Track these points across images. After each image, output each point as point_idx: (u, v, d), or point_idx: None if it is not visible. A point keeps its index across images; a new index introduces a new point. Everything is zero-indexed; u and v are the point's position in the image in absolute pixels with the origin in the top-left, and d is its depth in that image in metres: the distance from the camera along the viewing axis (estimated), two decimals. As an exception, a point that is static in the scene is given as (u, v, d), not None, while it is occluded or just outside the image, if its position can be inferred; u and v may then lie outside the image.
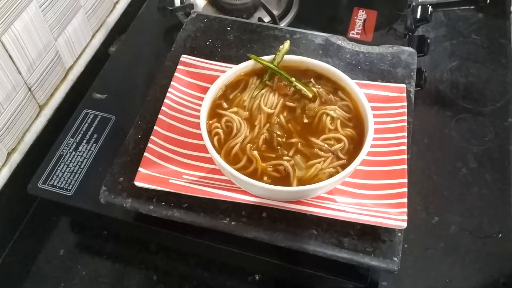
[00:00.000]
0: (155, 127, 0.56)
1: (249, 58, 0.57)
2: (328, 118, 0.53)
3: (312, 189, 0.48)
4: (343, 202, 0.51)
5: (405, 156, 0.53)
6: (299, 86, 0.54)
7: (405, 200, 0.50)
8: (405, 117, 0.56)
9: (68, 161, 0.61)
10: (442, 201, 0.65)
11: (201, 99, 0.54)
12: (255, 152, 0.51)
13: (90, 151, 0.63)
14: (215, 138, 0.52)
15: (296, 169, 0.50)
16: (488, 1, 0.87)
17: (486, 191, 0.66)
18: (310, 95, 0.54)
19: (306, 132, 0.53)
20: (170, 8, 0.81)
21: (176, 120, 0.58)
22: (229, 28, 0.68)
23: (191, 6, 0.81)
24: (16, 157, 0.65)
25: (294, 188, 0.49)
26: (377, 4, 0.80)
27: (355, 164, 0.48)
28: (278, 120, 0.53)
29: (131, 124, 0.58)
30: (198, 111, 0.54)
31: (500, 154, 0.69)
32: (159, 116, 0.57)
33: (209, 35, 0.67)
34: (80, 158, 0.62)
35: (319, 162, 0.50)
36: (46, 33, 0.66)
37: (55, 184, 0.59)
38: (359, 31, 0.76)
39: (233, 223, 0.51)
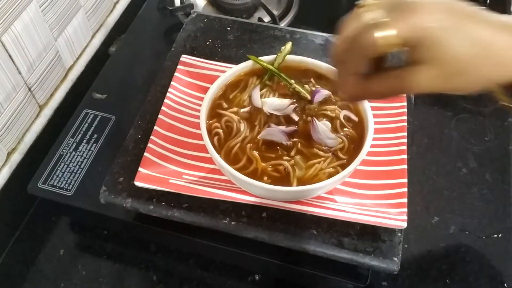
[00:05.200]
0: (155, 127, 0.56)
1: (249, 58, 0.57)
2: (328, 118, 0.53)
3: (312, 189, 0.48)
4: (343, 202, 0.51)
5: (405, 156, 0.53)
6: (298, 88, 0.54)
7: (405, 200, 0.50)
8: (405, 117, 0.56)
9: (68, 161, 0.61)
10: (442, 201, 0.65)
11: (201, 99, 0.54)
12: (255, 152, 0.51)
13: (90, 151, 0.63)
14: (215, 138, 0.52)
15: (296, 169, 0.50)
16: (488, 1, 0.87)
17: (486, 191, 0.66)
18: (309, 97, 0.54)
19: (306, 132, 0.53)
20: (170, 8, 0.81)
21: (176, 120, 0.58)
22: (229, 28, 0.68)
23: (191, 6, 0.81)
24: (16, 157, 0.65)
25: (294, 188, 0.49)
26: (377, 4, 0.80)
27: (355, 164, 0.48)
28: (278, 119, 0.53)
29: (131, 124, 0.58)
30: (198, 111, 0.54)
31: (500, 154, 0.69)
32: (159, 116, 0.57)
33: (209, 35, 0.67)
34: (80, 158, 0.62)
35: (319, 162, 0.50)
36: (46, 33, 0.66)
37: (55, 184, 0.59)
38: (359, 31, 0.76)
39: (233, 223, 0.51)
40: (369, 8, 0.36)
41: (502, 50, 0.34)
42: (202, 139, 0.50)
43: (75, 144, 0.63)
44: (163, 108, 0.57)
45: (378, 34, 0.35)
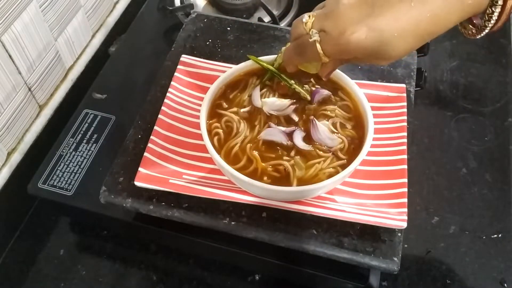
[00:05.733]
0: (155, 127, 0.56)
1: (249, 58, 0.57)
2: (328, 118, 0.53)
3: (312, 189, 0.48)
4: (343, 202, 0.51)
5: (405, 156, 0.53)
6: (298, 88, 0.54)
7: (405, 200, 0.50)
8: (405, 117, 0.56)
9: (68, 161, 0.61)
10: (442, 201, 0.65)
11: (201, 99, 0.54)
12: (255, 152, 0.51)
13: (90, 151, 0.63)
14: (215, 138, 0.52)
15: (296, 169, 0.50)
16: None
17: (486, 191, 0.66)
18: (309, 98, 0.54)
19: (306, 132, 0.53)
20: (170, 8, 0.81)
21: (176, 120, 0.58)
22: (229, 28, 0.68)
23: (191, 6, 0.81)
24: (16, 157, 0.65)
25: (294, 188, 0.49)
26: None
27: (355, 164, 0.48)
28: (278, 120, 0.53)
29: (131, 124, 0.58)
30: (198, 111, 0.54)
31: (500, 154, 0.69)
32: (159, 116, 0.57)
33: (209, 35, 0.67)
34: (80, 158, 0.62)
35: (319, 162, 0.50)
36: (46, 33, 0.66)
37: (55, 184, 0.59)
38: (359, 31, 0.76)
39: (233, 223, 0.51)
40: (311, 20, 0.43)
41: (427, 25, 0.39)
42: (202, 139, 0.50)
43: (75, 144, 0.63)
44: (163, 108, 0.57)
45: (319, 48, 0.43)
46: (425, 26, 0.39)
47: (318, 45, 0.43)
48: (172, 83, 0.60)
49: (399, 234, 0.50)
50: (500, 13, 0.39)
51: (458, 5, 0.38)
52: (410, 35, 0.39)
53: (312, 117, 0.52)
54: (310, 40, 0.43)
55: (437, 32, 0.39)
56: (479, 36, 0.42)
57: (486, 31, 0.41)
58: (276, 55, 0.56)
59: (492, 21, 0.39)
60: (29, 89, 0.65)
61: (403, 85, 0.59)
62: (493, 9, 0.39)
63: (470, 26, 0.42)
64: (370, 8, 0.39)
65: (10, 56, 0.60)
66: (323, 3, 0.44)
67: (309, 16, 0.43)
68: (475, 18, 0.41)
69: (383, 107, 0.58)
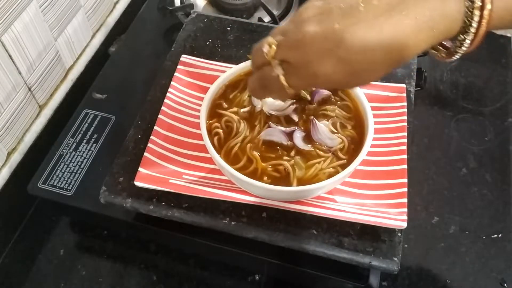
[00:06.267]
0: (155, 127, 0.56)
1: (249, 58, 0.57)
2: (328, 118, 0.53)
3: (312, 189, 0.48)
4: (343, 202, 0.51)
5: (405, 156, 0.53)
6: None
7: (405, 200, 0.50)
8: (405, 117, 0.56)
9: (68, 161, 0.61)
10: (442, 201, 0.65)
11: (201, 99, 0.54)
12: (255, 152, 0.51)
13: (90, 151, 0.63)
14: (215, 138, 0.52)
15: (296, 169, 0.50)
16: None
17: (486, 191, 0.66)
18: (309, 98, 0.54)
19: (306, 132, 0.53)
20: (170, 8, 0.81)
21: (176, 120, 0.58)
22: (229, 28, 0.68)
23: (191, 6, 0.81)
24: (16, 157, 0.65)
25: (294, 188, 0.49)
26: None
27: (355, 164, 0.48)
28: (278, 120, 0.53)
29: (131, 124, 0.58)
30: (198, 111, 0.54)
31: (500, 154, 0.69)
32: (159, 116, 0.57)
33: (209, 35, 0.67)
34: (80, 158, 0.62)
35: (319, 162, 0.50)
36: (46, 33, 0.66)
37: (55, 184, 0.59)
38: (359, 31, 0.76)
39: (233, 223, 0.51)
40: (273, 50, 0.40)
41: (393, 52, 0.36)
42: (202, 139, 0.50)
43: (75, 144, 0.63)
44: (163, 108, 0.57)
45: (284, 81, 0.40)
46: (395, 54, 0.37)
47: (282, 78, 0.39)
48: (172, 83, 0.60)
49: (399, 234, 0.50)
50: (473, 40, 0.37)
51: (428, 32, 0.36)
52: (380, 65, 0.37)
53: (312, 117, 0.52)
54: (273, 74, 0.40)
55: (406, 59, 0.38)
56: (449, 60, 0.40)
57: (457, 56, 0.39)
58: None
59: (464, 48, 0.38)
60: (29, 89, 0.66)
61: (403, 85, 0.59)
62: (465, 36, 0.37)
63: (441, 49, 0.41)
64: (337, 36, 0.35)
65: (10, 56, 0.60)
66: (283, 27, 0.40)
67: (270, 46, 0.40)
68: (447, 41, 0.40)
69: (383, 107, 0.58)
